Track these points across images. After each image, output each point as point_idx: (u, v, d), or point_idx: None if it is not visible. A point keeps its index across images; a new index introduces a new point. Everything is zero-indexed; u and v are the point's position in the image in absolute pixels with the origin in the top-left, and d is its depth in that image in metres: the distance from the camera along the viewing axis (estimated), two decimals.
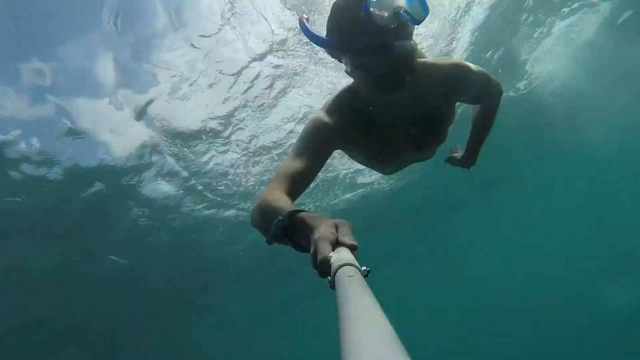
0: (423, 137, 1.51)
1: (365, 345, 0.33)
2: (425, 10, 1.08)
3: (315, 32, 1.20)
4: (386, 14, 1.06)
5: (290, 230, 0.93)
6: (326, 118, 1.35)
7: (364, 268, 0.62)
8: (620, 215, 23.12)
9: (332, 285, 0.57)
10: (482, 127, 1.76)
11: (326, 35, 1.21)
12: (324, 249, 0.71)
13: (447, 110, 1.48)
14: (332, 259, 0.67)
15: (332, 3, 1.18)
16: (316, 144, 1.32)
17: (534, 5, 5.58)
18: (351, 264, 0.59)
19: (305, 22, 1.24)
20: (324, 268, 0.68)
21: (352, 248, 0.71)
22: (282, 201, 1.05)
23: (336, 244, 0.74)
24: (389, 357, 0.31)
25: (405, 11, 1.05)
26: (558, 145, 11.13)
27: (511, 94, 7.58)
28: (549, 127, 9.63)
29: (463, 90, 1.45)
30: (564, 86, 7.96)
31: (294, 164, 1.25)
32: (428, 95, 1.39)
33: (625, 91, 9.13)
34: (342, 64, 1.24)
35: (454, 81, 1.39)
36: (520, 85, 7.59)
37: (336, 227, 0.78)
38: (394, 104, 1.35)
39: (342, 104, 1.39)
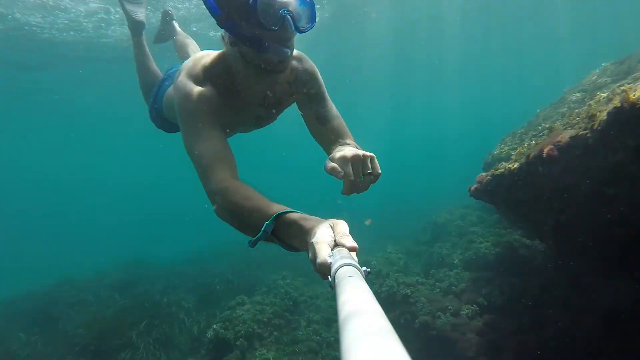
0: (265, 117, 1.62)
1: (366, 346, 0.33)
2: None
3: None
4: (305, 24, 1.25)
5: (279, 232, 0.92)
6: (205, 89, 1.33)
7: (364, 268, 0.61)
8: None
9: (332, 286, 0.57)
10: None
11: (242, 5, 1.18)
12: (323, 252, 0.70)
13: (287, 100, 1.59)
14: (331, 259, 0.67)
15: None
16: (213, 116, 1.30)
17: None
18: (351, 264, 0.59)
19: None
20: (325, 271, 0.68)
21: (351, 250, 0.71)
22: (254, 200, 1.03)
23: (334, 244, 0.74)
24: (389, 357, 0.31)
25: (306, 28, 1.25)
26: None
27: None
28: None
29: (299, 83, 1.56)
30: None
31: (212, 144, 1.23)
32: (280, 84, 1.51)
33: None
34: (222, 33, 1.29)
35: (294, 70, 1.52)
36: None
37: (332, 227, 0.78)
38: (256, 86, 1.42)
39: (213, 74, 1.37)
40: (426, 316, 4.68)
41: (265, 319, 5.55)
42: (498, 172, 3.24)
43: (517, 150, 3.33)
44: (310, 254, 0.76)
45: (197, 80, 1.34)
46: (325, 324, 5.85)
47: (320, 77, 1.59)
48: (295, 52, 1.47)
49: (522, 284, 4.38)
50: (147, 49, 2.78)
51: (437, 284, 5.45)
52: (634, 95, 2.11)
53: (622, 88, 2.42)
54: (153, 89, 2.43)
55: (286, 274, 7.43)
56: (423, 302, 4.90)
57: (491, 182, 3.25)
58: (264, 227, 0.92)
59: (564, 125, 3.03)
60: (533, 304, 3.94)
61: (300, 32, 1.24)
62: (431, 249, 6.75)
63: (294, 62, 1.51)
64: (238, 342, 5.04)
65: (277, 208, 0.96)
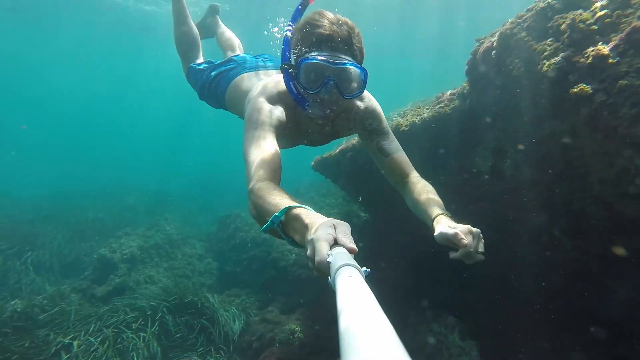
0: (320, 141, 1.75)
1: (366, 345, 0.33)
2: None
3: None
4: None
5: (285, 226, 0.96)
6: (275, 109, 1.44)
7: (363, 269, 0.61)
8: None
9: (333, 286, 0.56)
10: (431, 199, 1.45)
11: (303, 46, 1.33)
12: (322, 250, 0.71)
13: (347, 133, 1.72)
14: (330, 258, 0.67)
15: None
16: (274, 132, 1.38)
17: None
18: (351, 265, 0.59)
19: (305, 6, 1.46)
20: (322, 269, 0.69)
21: (351, 251, 0.71)
22: (275, 195, 1.07)
23: (334, 244, 0.74)
24: (389, 357, 0.31)
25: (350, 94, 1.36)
26: None
27: None
28: None
29: (361, 126, 1.65)
30: None
31: (265, 151, 1.29)
32: (340, 122, 1.62)
33: None
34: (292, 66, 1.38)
35: (359, 119, 1.63)
36: None
37: (334, 227, 0.79)
38: (312, 120, 1.51)
39: (284, 101, 1.48)
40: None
41: (148, 247, 6.68)
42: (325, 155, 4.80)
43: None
44: (308, 251, 0.77)
45: (271, 100, 1.46)
46: (198, 259, 7.29)
47: (381, 114, 1.65)
48: (366, 99, 1.62)
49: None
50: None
51: None
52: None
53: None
54: (194, 60, 2.55)
55: (167, 215, 8.47)
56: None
57: (320, 162, 4.87)
58: (272, 217, 0.95)
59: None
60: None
61: (345, 98, 1.34)
62: None
63: (357, 102, 1.59)
64: (122, 265, 6.09)
65: (290, 203, 0.98)
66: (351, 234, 0.77)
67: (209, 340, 4.40)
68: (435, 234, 1.20)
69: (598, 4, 1.86)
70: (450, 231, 1.13)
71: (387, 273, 3.68)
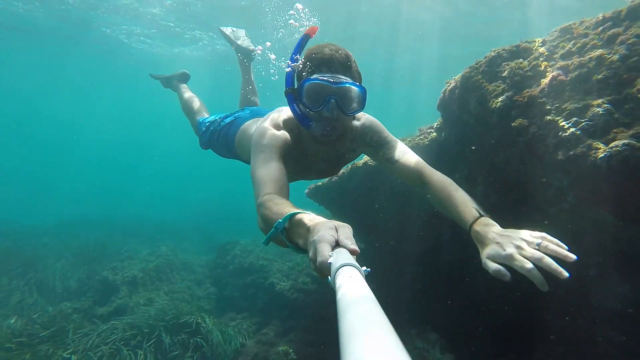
0: (329, 170, 1.79)
1: (366, 345, 0.33)
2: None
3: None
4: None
5: (290, 233, 0.96)
6: (280, 133, 1.51)
7: (363, 268, 0.62)
8: None
9: (333, 286, 0.57)
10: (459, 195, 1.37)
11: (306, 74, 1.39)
12: (324, 251, 0.71)
13: (350, 156, 1.76)
14: (331, 259, 0.67)
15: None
16: (279, 153, 1.43)
17: None
18: (351, 265, 0.59)
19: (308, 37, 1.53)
20: (324, 270, 0.69)
21: (353, 253, 0.71)
22: (280, 205, 1.10)
23: (335, 245, 0.74)
24: (389, 356, 0.31)
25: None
26: None
27: None
28: None
29: (364, 145, 1.69)
30: None
31: (271, 170, 1.34)
32: (340, 145, 1.66)
33: None
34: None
35: (358, 137, 1.67)
36: None
37: (336, 229, 0.79)
38: (316, 146, 1.57)
39: (288, 127, 1.56)
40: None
41: (149, 271, 6.89)
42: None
43: None
44: (310, 253, 0.78)
45: (277, 127, 1.53)
46: (197, 284, 7.46)
47: (379, 125, 1.68)
48: (364, 119, 1.67)
49: None
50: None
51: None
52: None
53: None
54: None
55: (169, 242, 8.72)
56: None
57: (313, 190, 5.24)
58: (275, 224, 0.97)
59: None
60: None
61: (347, 115, 1.39)
62: None
63: (362, 130, 1.65)
64: (124, 287, 6.29)
65: (294, 210, 0.99)
66: (353, 236, 0.78)
67: (203, 359, 4.53)
68: (486, 265, 1.05)
69: (533, 55, 2.28)
70: (503, 260, 1.00)
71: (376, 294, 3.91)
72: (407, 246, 3.92)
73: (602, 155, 1.62)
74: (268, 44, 3.23)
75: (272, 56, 3.03)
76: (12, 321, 4.97)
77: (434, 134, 3.66)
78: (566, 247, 0.98)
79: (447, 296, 3.43)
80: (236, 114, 2.41)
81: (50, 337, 4.59)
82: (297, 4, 3.19)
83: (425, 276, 3.75)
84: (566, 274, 0.90)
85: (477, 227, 1.17)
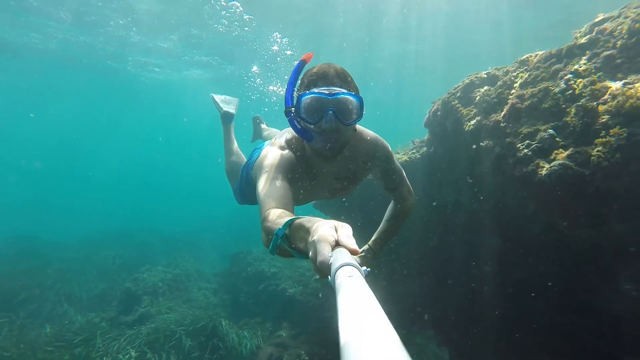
0: (340, 190, 1.79)
1: (366, 345, 0.33)
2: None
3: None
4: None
5: (291, 239, 0.96)
6: (283, 152, 1.55)
7: (363, 268, 0.61)
8: None
9: (333, 286, 0.56)
10: (391, 227, 1.93)
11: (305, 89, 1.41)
12: (324, 250, 0.71)
13: (362, 174, 1.77)
14: (331, 259, 0.67)
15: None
16: (283, 172, 1.46)
17: None
18: (351, 264, 0.59)
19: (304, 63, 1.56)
20: (324, 270, 0.68)
21: (353, 252, 0.71)
22: (282, 215, 1.11)
23: (336, 245, 0.74)
24: (389, 356, 0.31)
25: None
26: None
27: None
28: None
29: (375, 162, 1.74)
30: None
31: (274, 188, 1.37)
32: (351, 162, 1.67)
33: None
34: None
35: (370, 153, 1.70)
36: None
37: (336, 229, 0.79)
38: (324, 163, 1.60)
39: (293, 148, 1.58)
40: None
41: (168, 281, 7.34)
42: None
43: None
44: (310, 253, 0.77)
45: (280, 147, 1.57)
46: (212, 292, 7.88)
47: (392, 156, 1.77)
48: (372, 135, 1.70)
49: None
50: (233, 135, 3.30)
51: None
52: None
53: None
54: (238, 171, 2.70)
55: (185, 253, 9.19)
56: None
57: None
58: (276, 231, 0.97)
59: None
60: None
61: (347, 125, 1.40)
62: None
63: (371, 146, 1.68)
64: (146, 297, 6.74)
65: (293, 217, 1.00)
66: (352, 236, 0.78)
67: None
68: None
69: (498, 83, 2.64)
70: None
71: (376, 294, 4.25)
72: (406, 248, 4.26)
73: (545, 172, 1.97)
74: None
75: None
76: (47, 330, 5.45)
77: (424, 148, 4.02)
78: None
79: (446, 296, 3.75)
80: (249, 159, 2.44)
81: (82, 342, 5.04)
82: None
83: (425, 276, 4.08)
84: None
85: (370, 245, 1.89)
